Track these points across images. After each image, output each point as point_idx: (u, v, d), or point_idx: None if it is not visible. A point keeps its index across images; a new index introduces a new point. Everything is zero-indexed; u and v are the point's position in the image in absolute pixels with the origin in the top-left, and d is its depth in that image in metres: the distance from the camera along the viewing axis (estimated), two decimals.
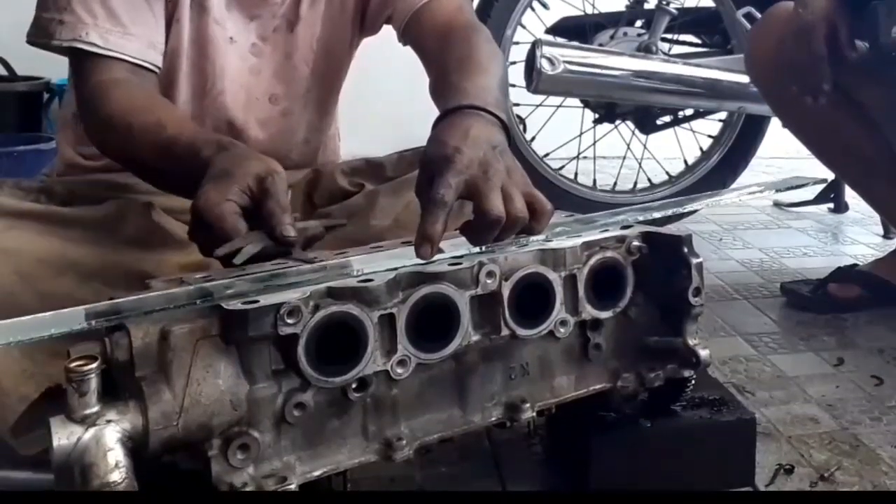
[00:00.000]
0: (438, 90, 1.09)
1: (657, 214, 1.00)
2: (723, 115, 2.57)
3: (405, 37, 1.25)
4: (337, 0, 1.25)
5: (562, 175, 2.45)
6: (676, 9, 2.43)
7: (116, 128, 1.04)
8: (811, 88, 1.55)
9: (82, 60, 1.08)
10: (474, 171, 0.85)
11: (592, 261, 0.90)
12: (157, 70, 1.12)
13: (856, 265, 1.88)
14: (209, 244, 0.87)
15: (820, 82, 1.53)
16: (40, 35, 1.08)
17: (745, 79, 2.33)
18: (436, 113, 0.99)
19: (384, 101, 3.08)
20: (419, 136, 1.22)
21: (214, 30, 1.17)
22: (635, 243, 0.93)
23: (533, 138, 2.47)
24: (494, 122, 0.96)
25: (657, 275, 0.94)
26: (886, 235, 2.39)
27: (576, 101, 2.56)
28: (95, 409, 0.67)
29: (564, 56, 2.22)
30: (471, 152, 0.86)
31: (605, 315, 0.92)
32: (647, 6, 2.53)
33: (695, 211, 2.35)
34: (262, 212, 0.87)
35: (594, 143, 2.58)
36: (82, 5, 1.07)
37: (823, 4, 1.53)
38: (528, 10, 2.37)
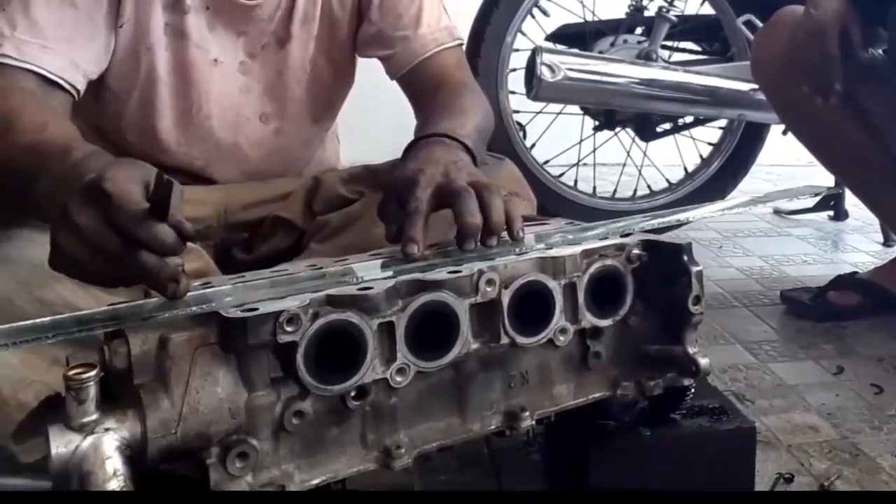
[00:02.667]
0: (416, 132, 1.10)
1: (657, 223, 1.00)
2: (723, 122, 2.58)
3: (400, 81, 1.27)
4: (332, 21, 1.25)
5: (562, 182, 2.45)
6: (676, 16, 2.43)
7: None
8: (823, 88, 1.56)
9: None
10: (439, 180, 0.90)
11: (592, 269, 0.90)
12: (74, 93, 1.07)
13: (856, 273, 1.88)
14: (92, 223, 0.73)
15: (832, 82, 1.54)
16: None
17: (745, 86, 2.34)
18: None
19: (383, 109, 3.07)
20: None
21: (196, 54, 1.16)
22: (635, 251, 0.93)
23: (533, 145, 2.47)
24: (458, 146, 1.00)
25: (657, 283, 0.94)
26: (886, 243, 2.39)
27: (576, 109, 2.57)
28: (94, 416, 0.67)
29: (564, 63, 2.22)
30: (432, 169, 0.91)
31: (604, 323, 0.92)
32: (647, 14, 2.53)
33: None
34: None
35: (594, 151, 2.58)
36: (5, 18, 1.04)
37: (836, 6, 1.53)
38: (529, 17, 2.37)
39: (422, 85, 1.23)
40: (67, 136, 0.92)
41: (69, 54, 1.06)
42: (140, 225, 0.70)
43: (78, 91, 1.08)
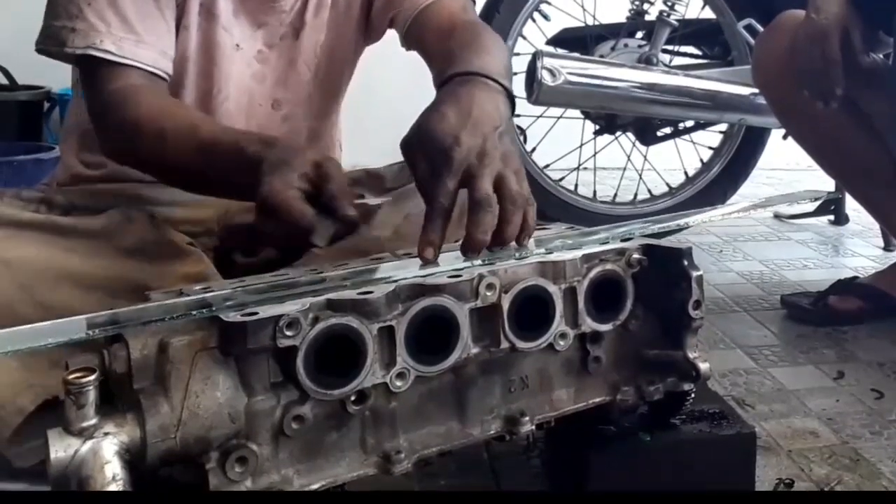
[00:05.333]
0: (441, 71, 1.05)
1: (657, 227, 1.00)
2: (723, 126, 2.57)
3: (408, 38, 1.25)
4: (342, 7, 1.26)
5: (562, 186, 2.45)
6: (677, 20, 2.43)
7: (145, 132, 1.02)
8: (824, 93, 1.56)
9: (95, 68, 1.07)
10: (472, 161, 0.87)
11: (592, 273, 0.90)
12: (167, 78, 1.12)
13: (856, 278, 1.88)
14: (279, 232, 0.89)
15: (833, 86, 1.54)
16: (51, 43, 1.06)
17: (745, 90, 2.34)
18: None
19: (385, 111, 3.07)
20: None
21: (222, 36, 1.17)
22: (635, 256, 0.93)
23: (533, 149, 2.47)
24: (499, 90, 0.98)
25: (657, 287, 0.94)
26: (887, 248, 2.39)
27: (576, 113, 2.56)
28: (93, 421, 0.67)
29: (565, 67, 2.22)
30: (469, 141, 0.88)
31: (604, 328, 0.92)
32: (647, 18, 2.53)
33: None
34: (323, 195, 0.88)
35: (594, 155, 2.58)
36: (95, 13, 1.05)
37: (837, 10, 1.54)
38: (530, 21, 2.37)
39: (431, 31, 1.21)
40: (227, 133, 1.01)
41: (158, 45, 1.10)
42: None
43: (170, 76, 1.13)
